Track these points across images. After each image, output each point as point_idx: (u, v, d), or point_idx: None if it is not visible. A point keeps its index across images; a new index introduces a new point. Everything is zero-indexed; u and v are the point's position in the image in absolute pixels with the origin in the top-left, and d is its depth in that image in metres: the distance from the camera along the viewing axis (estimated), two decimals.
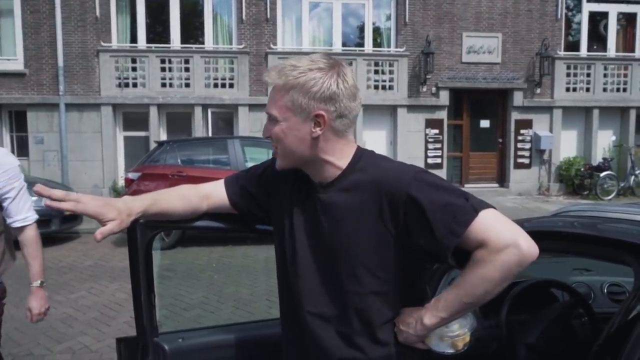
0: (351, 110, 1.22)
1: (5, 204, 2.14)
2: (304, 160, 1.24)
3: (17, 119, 12.42)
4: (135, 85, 12.17)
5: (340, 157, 1.24)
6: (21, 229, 2.20)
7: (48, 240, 7.96)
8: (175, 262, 6.75)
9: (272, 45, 12.65)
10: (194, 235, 7.58)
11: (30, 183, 6.72)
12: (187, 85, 12.26)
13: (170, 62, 12.24)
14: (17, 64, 12.13)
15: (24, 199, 2.19)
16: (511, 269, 1.08)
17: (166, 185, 7.40)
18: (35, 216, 2.25)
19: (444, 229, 1.10)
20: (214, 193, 1.47)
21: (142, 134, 12.35)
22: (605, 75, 13.82)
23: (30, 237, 2.23)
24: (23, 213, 2.19)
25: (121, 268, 6.49)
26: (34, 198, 7.05)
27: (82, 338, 4.28)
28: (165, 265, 6.64)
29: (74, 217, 8.28)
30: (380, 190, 1.18)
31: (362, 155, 1.26)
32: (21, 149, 12.40)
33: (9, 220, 2.18)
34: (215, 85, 12.37)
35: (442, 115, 13.31)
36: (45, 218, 7.64)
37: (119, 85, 12.10)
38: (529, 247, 1.08)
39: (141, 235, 1.51)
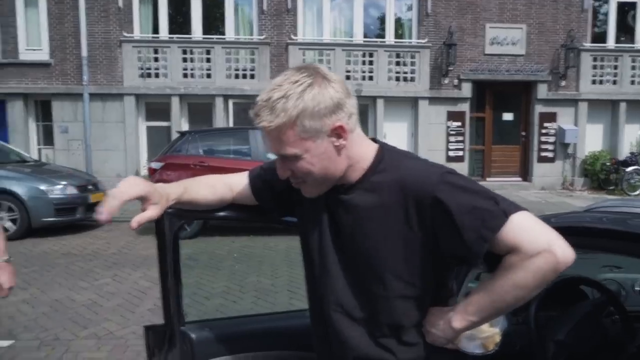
0: (354, 105, 1.18)
1: None
2: (338, 176, 1.20)
3: (43, 109, 12.64)
4: (157, 75, 12.27)
5: (362, 157, 1.21)
6: None
7: (73, 228, 8.15)
8: (197, 252, 6.82)
9: (292, 36, 12.63)
10: (215, 224, 7.64)
11: (56, 171, 6.82)
12: (209, 75, 12.32)
13: (191, 52, 12.30)
14: (42, 54, 12.33)
15: None
16: (545, 276, 1.04)
17: (188, 175, 7.46)
18: None
19: (473, 234, 1.07)
20: (238, 185, 1.46)
21: (164, 124, 12.47)
22: (633, 68, 13.50)
23: None
24: None
25: (144, 256, 6.59)
26: (58, 187, 7.12)
27: (107, 324, 4.35)
28: (187, 254, 6.71)
29: (99, 205, 8.40)
30: (405, 192, 1.14)
31: (385, 154, 1.22)
32: (47, 137, 12.64)
33: None
34: (236, 76, 12.40)
35: (464, 107, 13.16)
36: (71, 206, 7.78)
37: (142, 76, 12.21)
38: (564, 253, 1.03)
39: (169, 224, 1.52)
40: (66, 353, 3.79)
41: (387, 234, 1.16)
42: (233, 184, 1.47)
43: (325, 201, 1.26)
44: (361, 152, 1.21)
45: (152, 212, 1.21)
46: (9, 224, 7.32)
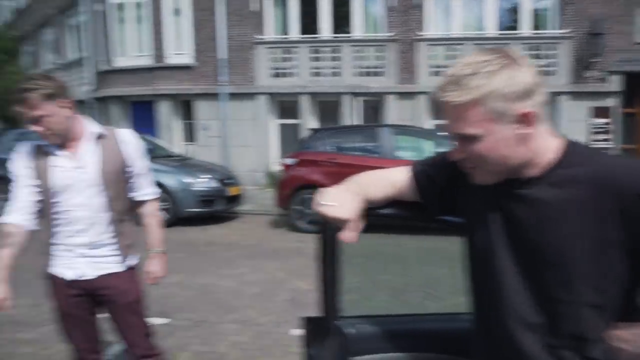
0: (544, 94, 1.10)
1: (133, 180, 2.36)
2: (516, 166, 1.13)
3: (187, 108, 13.77)
4: (288, 74, 12.76)
5: (545, 149, 1.13)
6: (143, 202, 2.42)
7: (213, 218, 8.76)
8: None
9: (419, 32, 12.39)
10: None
11: (198, 165, 7.34)
12: (337, 74, 12.54)
13: (320, 52, 12.60)
14: (187, 58, 13.42)
15: (146, 176, 2.41)
16: None
17: (320, 172, 7.72)
18: (157, 191, 2.48)
19: None
20: (401, 181, 1.42)
21: (294, 121, 12.94)
22: None
23: (152, 209, 2.44)
24: (146, 188, 2.41)
25: (278, 249, 6.89)
26: (201, 180, 7.62)
27: (248, 311, 4.61)
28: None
29: (236, 198, 8.97)
30: (603, 188, 1.05)
31: (574, 148, 1.14)
32: (190, 135, 13.75)
33: (134, 194, 2.39)
34: (364, 74, 12.48)
35: (612, 102, 11.98)
36: (212, 198, 8.36)
37: (273, 76, 12.79)
38: None
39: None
40: (214, 335, 4.08)
41: (577, 232, 1.07)
42: (395, 181, 1.43)
43: (497, 196, 1.18)
44: (545, 144, 1.13)
45: (353, 234, 1.28)
46: (162, 214, 8.06)
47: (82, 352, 2.37)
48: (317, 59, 12.66)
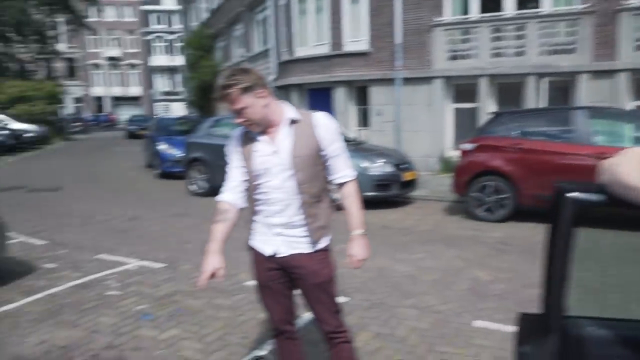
0: None
1: (330, 163, 2.37)
2: None
3: (361, 94, 14.05)
4: (466, 57, 12.22)
5: None
6: (342, 184, 2.42)
7: (386, 203, 8.83)
8: (509, 236, 6.57)
9: (623, 0, 10.85)
10: (528, 210, 7.19)
11: (373, 150, 7.42)
12: (521, 53, 11.65)
13: (502, 30, 11.81)
14: (362, 45, 13.65)
15: (344, 158, 2.40)
16: None
17: (502, 158, 7.27)
18: (354, 173, 2.44)
19: None
20: None
21: (470, 105, 12.39)
22: None
23: (351, 191, 2.43)
24: (344, 170, 2.40)
25: (455, 236, 6.68)
26: (377, 164, 7.74)
27: (426, 297, 4.54)
28: (498, 238, 6.53)
29: (410, 183, 8.91)
30: None
31: None
32: (364, 120, 14.03)
33: (332, 177, 2.41)
34: (552, 52, 11.39)
35: None
36: (387, 183, 8.42)
37: (450, 58, 12.35)
38: None
39: (571, 208, 1.38)
40: (392, 318, 4.09)
41: None
42: None
43: None
44: None
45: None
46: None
47: (276, 322, 2.54)
48: (498, 39, 11.88)
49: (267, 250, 2.39)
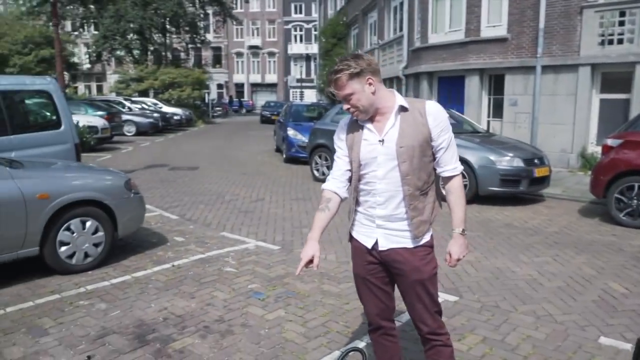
0: None
1: (438, 155, 2.26)
2: None
3: (495, 83, 13.25)
4: (620, 41, 10.89)
5: None
6: (449, 178, 2.30)
7: (515, 200, 8.26)
8: None
9: None
10: None
11: (503, 143, 6.98)
12: None
13: None
14: (500, 30, 12.82)
15: (453, 150, 2.27)
16: None
17: None
18: (461, 167, 2.33)
19: None
20: None
21: (621, 96, 11.06)
22: None
23: (456, 186, 2.31)
24: (452, 163, 2.29)
25: (588, 241, 6.04)
26: (506, 158, 7.27)
27: (546, 305, 4.16)
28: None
29: (542, 180, 8.23)
30: None
31: None
32: (496, 110, 13.24)
33: (439, 170, 2.29)
34: None
35: None
36: (515, 178, 7.86)
37: (601, 43, 11.10)
38: None
39: None
40: (505, 323, 3.81)
41: None
42: None
43: None
44: None
45: None
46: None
47: (373, 317, 2.47)
48: None
49: (367, 243, 2.33)
